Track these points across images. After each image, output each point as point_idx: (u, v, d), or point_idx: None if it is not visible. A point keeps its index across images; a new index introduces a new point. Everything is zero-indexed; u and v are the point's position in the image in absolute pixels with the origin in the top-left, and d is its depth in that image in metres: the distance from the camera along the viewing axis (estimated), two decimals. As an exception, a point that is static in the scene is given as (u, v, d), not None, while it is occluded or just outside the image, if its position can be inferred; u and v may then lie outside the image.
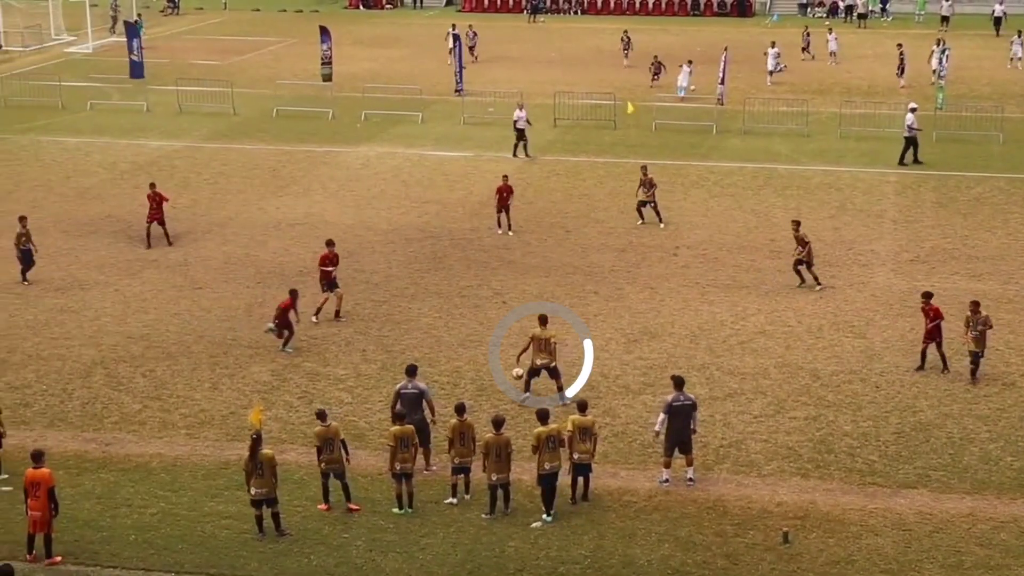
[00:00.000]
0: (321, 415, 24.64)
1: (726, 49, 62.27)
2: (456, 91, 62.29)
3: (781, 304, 35.13)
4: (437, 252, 39.52)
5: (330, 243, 34.39)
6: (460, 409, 24.79)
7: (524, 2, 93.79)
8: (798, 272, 36.37)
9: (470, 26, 69.28)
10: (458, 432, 24.47)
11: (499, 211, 41.19)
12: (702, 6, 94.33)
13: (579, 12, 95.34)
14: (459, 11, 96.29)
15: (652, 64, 65.45)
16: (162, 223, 39.78)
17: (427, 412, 25.81)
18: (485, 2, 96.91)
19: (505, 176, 41.63)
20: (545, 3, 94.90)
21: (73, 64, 71.49)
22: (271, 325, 31.63)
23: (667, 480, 25.28)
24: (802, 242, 36.17)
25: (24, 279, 36.08)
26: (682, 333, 33.18)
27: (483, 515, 24.15)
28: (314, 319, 33.56)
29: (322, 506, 24.33)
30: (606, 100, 57.54)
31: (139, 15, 79.01)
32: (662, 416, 25.15)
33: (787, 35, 74.59)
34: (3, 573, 18.00)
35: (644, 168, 42.55)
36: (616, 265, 38.40)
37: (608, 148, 51.90)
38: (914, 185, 47.17)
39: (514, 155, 50.43)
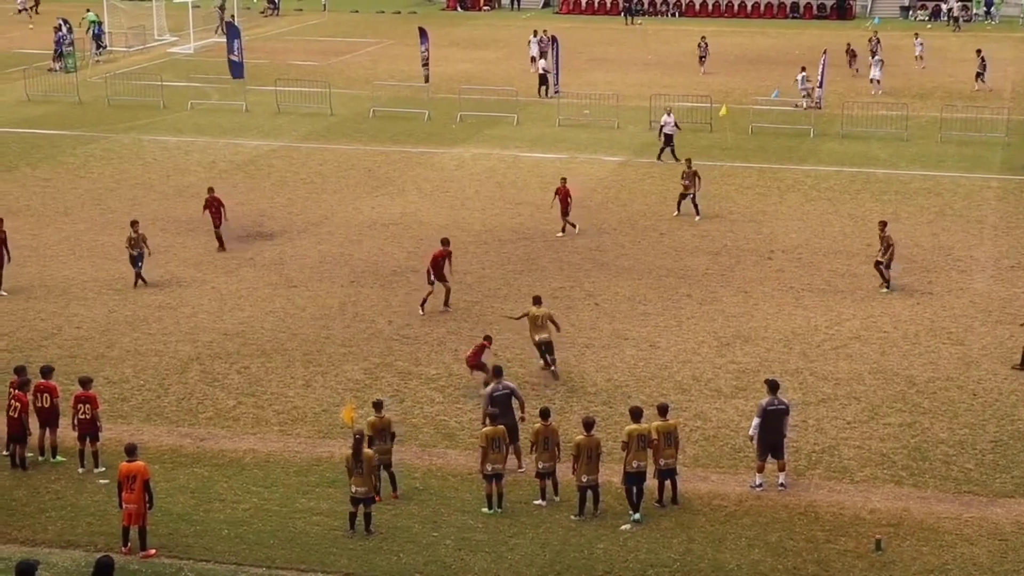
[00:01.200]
0: (377, 405, 24.91)
1: (825, 52, 61.73)
2: (554, 92, 62.30)
3: (877, 309, 34.71)
4: (530, 253, 39.55)
5: (445, 242, 34.61)
6: (545, 413, 24.76)
7: (621, 4, 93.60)
8: (880, 272, 36.03)
9: (544, 31, 69.14)
10: (542, 436, 24.43)
11: (564, 213, 41.21)
12: (801, 9, 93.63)
13: (676, 14, 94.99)
14: (556, 13, 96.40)
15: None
16: (218, 227, 39.60)
17: (517, 411, 25.84)
18: (582, 4, 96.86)
19: (564, 179, 41.60)
20: (642, 5, 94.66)
21: (175, 64, 72.50)
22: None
23: (760, 485, 25.06)
24: (887, 243, 35.79)
25: (139, 281, 36.27)
26: (775, 337, 32.90)
27: (572, 516, 24.10)
28: (421, 312, 33.82)
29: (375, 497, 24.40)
30: (702, 103, 57.24)
31: (232, 16, 79.87)
32: (756, 420, 24.94)
33: (887, 38, 73.60)
34: (104, 564, 18.21)
35: (688, 161, 43.40)
36: (710, 268, 38.18)
37: (703, 151, 51.59)
38: (1016, 191, 46.40)
39: (659, 158, 49.87)
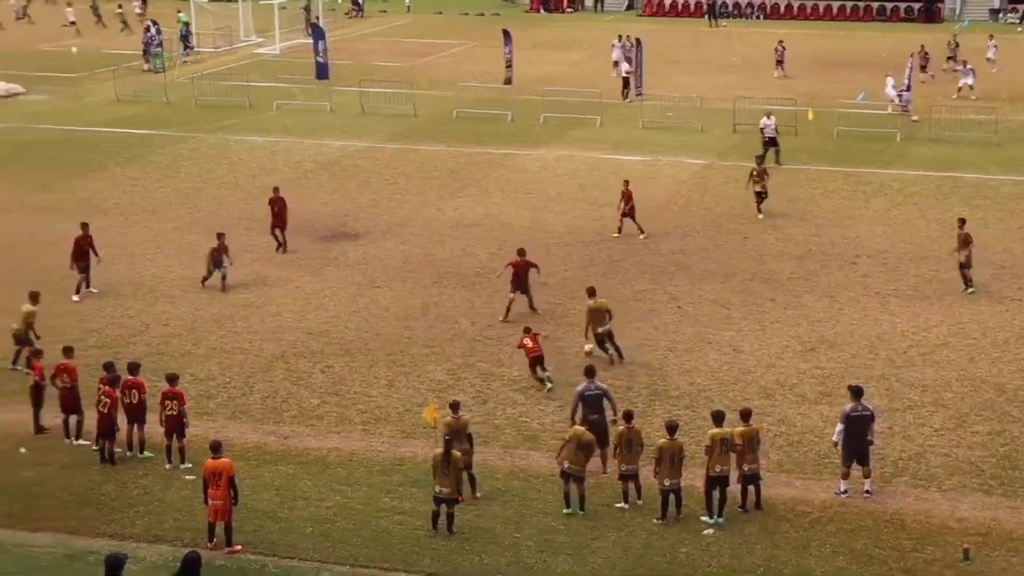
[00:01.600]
0: (454, 406, 24.96)
1: (912, 55, 61.06)
2: (637, 94, 62.16)
3: (965, 315, 34.26)
4: (613, 256, 39.46)
5: (522, 252, 34.48)
6: (628, 416, 24.70)
7: (704, 6, 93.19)
8: (962, 274, 35.60)
9: (628, 36, 68.98)
10: (625, 439, 24.39)
11: (623, 215, 41.05)
12: (888, 11, 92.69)
13: (761, 17, 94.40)
14: (639, 15, 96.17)
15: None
16: (284, 228, 39.62)
17: (608, 412, 25.81)
18: (666, 6, 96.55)
19: (626, 181, 41.45)
20: (726, 8, 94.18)
21: (261, 65, 73.14)
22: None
23: (845, 491, 24.83)
24: (963, 240, 35.34)
25: (224, 285, 36.45)
26: (861, 343, 32.58)
27: (655, 520, 24.01)
28: (501, 319, 33.79)
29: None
30: (787, 106, 56.84)
31: (317, 17, 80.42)
32: (840, 426, 24.72)
33: (974, 40, 72.68)
34: (190, 559, 18.40)
35: (759, 159, 43.90)
36: (795, 272, 37.88)
37: (789, 154, 51.15)
38: (1109, 196, 45.68)
39: (761, 162, 49.50)
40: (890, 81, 59.53)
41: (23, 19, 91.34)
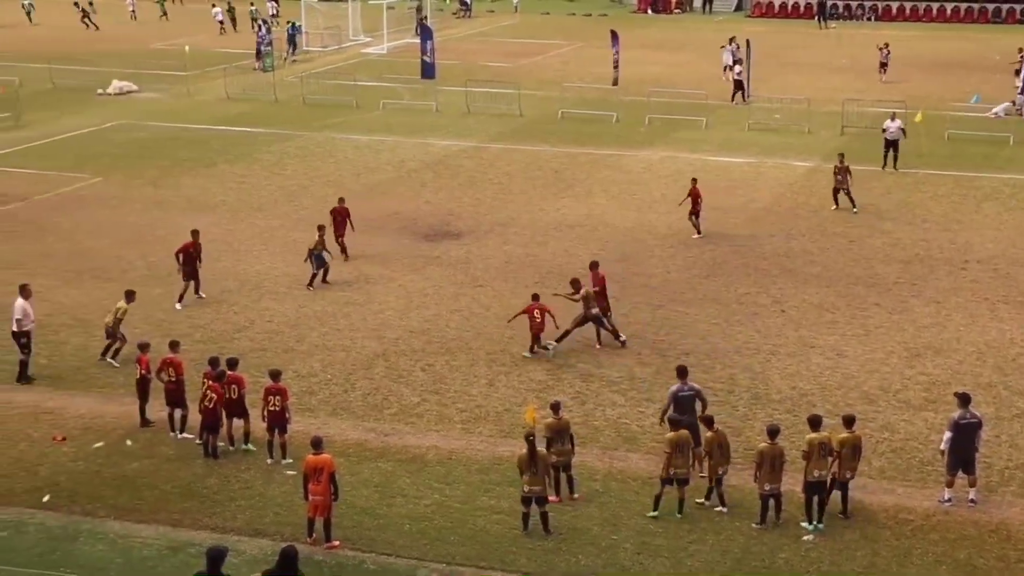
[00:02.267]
0: (555, 407, 24.82)
1: (1021, 56, 59.93)
2: (744, 99, 61.72)
3: (1077, 323, 33.59)
4: (716, 258, 39.20)
5: (594, 265, 33.69)
6: (709, 421, 24.51)
7: (814, 8, 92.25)
8: None
9: (735, 39, 68.45)
10: (714, 444, 24.23)
11: (692, 214, 40.95)
12: (1003, 13, 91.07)
13: (872, 18, 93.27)
14: (748, 16, 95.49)
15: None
16: (341, 237, 39.00)
17: (700, 412, 25.68)
18: (775, 7, 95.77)
19: (694, 179, 41.24)
20: (836, 9, 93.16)
21: (368, 64, 73.73)
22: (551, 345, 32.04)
23: (949, 500, 24.41)
24: None
25: (312, 284, 36.56)
26: (968, 350, 32.03)
27: (753, 524, 23.81)
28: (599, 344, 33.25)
29: (553, 498, 24.32)
30: (897, 108, 56.06)
31: (424, 17, 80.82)
32: (948, 434, 24.30)
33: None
34: (289, 554, 18.58)
35: (841, 156, 43.87)
36: (901, 277, 37.36)
37: (898, 157, 50.46)
38: None
39: (883, 167, 49.10)
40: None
41: (133, 19, 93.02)
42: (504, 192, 46.83)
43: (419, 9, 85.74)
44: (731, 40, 69.18)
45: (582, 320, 32.17)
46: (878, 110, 55.95)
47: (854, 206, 43.22)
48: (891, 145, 48.84)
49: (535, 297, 32.07)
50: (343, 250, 38.95)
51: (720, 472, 24.26)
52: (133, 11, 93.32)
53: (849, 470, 23.83)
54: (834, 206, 43.60)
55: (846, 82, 65.97)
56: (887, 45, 69.20)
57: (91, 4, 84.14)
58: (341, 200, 39.91)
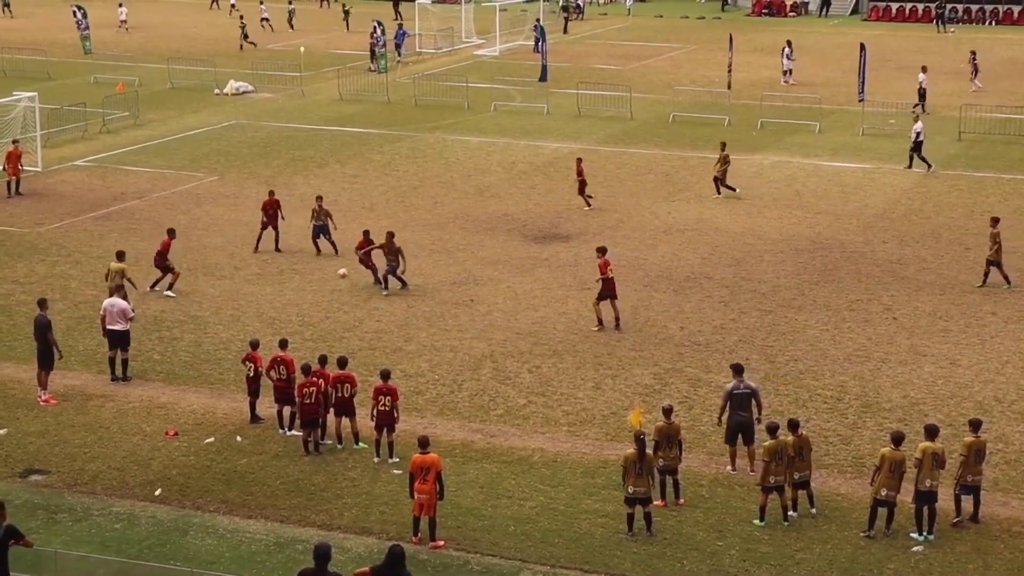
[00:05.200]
0: (667, 411, 24.73)
1: None
2: (859, 100, 61.01)
3: None
4: (827, 264, 38.76)
5: (602, 251, 34.41)
6: (794, 425, 24.22)
7: (933, 12, 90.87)
8: None
9: (789, 42, 68.13)
10: (798, 447, 23.97)
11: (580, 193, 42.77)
12: None
13: (993, 23, 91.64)
14: (864, 20, 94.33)
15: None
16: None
17: (755, 411, 25.53)
18: (892, 11, 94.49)
19: (579, 159, 42.73)
20: (956, 13, 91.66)
21: (480, 66, 74.00)
22: None
23: (1062, 514, 23.97)
24: None
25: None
26: (1087, 361, 31.39)
27: (862, 533, 23.51)
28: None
29: (659, 502, 24.20)
30: (1017, 114, 55.04)
31: (537, 20, 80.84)
32: (1060, 447, 23.86)
33: None
34: (395, 553, 18.67)
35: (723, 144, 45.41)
36: (1019, 285, 36.63)
37: (1016, 164, 49.61)
38: None
39: (910, 166, 48.68)
40: None
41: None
42: (614, 195, 46.70)
43: (565, 8, 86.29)
44: (788, 43, 68.79)
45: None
46: (996, 115, 54.99)
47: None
48: (914, 147, 49.09)
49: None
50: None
51: (797, 475, 23.90)
52: (266, 19, 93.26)
53: (973, 474, 23.44)
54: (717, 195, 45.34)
55: (963, 87, 64.91)
56: (974, 52, 67.72)
57: (242, 18, 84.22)
58: (271, 193, 40.81)
